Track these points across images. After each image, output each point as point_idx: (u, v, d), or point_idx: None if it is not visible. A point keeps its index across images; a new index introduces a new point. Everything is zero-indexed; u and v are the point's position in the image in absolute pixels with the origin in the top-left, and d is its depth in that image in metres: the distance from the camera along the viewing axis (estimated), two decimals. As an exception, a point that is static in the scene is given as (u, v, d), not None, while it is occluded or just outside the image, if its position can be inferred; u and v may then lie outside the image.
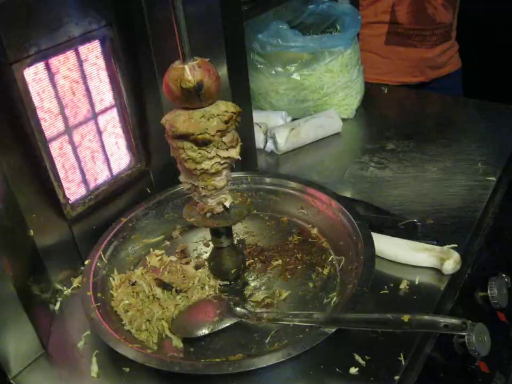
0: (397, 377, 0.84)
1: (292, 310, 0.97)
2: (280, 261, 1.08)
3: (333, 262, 1.06)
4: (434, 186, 1.26)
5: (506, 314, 1.10)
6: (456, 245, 1.04)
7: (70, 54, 1.01)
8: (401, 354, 0.87)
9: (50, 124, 1.00)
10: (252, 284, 1.04)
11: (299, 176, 1.22)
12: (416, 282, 1.00)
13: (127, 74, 1.11)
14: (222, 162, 0.89)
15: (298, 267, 1.06)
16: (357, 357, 0.87)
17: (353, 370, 0.85)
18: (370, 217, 1.12)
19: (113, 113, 1.13)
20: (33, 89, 0.96)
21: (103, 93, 1.10)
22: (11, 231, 0.92)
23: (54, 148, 1.02)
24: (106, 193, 1.14)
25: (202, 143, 0.86)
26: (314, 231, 1.14)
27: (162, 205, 1.18)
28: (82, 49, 1.03)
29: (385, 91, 1.69)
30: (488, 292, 1.08)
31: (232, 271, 1.03)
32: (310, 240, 1.13)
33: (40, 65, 0.96)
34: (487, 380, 1.01)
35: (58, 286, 1.09)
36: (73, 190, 1.09)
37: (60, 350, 0.96)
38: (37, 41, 0.94)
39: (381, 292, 0.99)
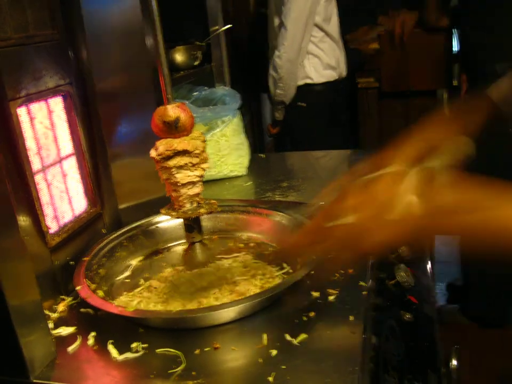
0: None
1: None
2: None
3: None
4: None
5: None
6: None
7: (44, 104, 1.21)
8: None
9: (32, 159, 1.17)
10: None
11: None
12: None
13: (85, 127, 1.32)
14: (199, 175, 1.16)
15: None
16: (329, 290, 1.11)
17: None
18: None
19: (73, 160, 1.31)
20: (22, 125, 1.13)
21: (65, 141, 1.29)
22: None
23: (36, 180, 1.18)
24: (72, 230, 1.28)
25: (195, 156, 1.13)
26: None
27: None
28: (51, 101, 1.24)
29: (263, 156, 2.08)
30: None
31: (204, 263, 1.23)
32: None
33: (25, 108, 1.15)
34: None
35: (46, 312, 1.18)
36: (48, 224, 1.22)
37: (71, 355, 1.02)
38: (26, 86, 1.14)
39: (329, 256, 1.26)
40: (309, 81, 2.87)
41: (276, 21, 2.82)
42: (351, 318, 1.01)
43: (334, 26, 2.88)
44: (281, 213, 1.36)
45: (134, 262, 1.35)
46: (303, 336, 0.97)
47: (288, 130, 3.02)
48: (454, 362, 1.30)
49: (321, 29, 2.81)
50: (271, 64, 2.80)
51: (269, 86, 2.90)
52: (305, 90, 2.88)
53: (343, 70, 3.00)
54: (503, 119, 1.20)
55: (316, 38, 2.82)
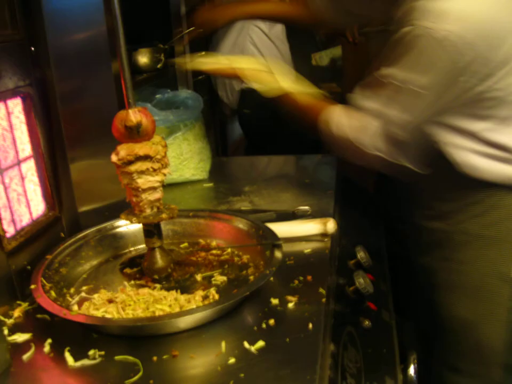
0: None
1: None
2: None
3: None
4: (292, 201, 1.62)
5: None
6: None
7: (2, 105, 1.19)
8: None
9: (-11, 162, 1.15)
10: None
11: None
12: (309, 251, 1.31)
13: (44, 129, 1.30)
14: (160, 180, 1.17)
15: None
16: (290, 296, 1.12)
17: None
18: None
19: (32, 163, 1.29)
20: (-20, 127, 1.11)
21: (24, 143, 1.27)
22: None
23: (-7, 184, 1.15)
24: (30, 233, 1.26)
25: (156, 162, 1.13)
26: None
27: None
28: (10, 103, 1.21)
29: (225, 160, 2.08)
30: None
31: (164, 269, 1.22)
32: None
33: (-17, 110, 1.13)
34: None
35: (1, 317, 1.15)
36: (5, 227, 1.20)
37: (26, 362, 1.00)
38: (-16, 86, 1.12)
39: (288, 263, 1.27)
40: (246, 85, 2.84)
41: None
42: (310, 325, 1.02)
43: (278, 33, 2.85)
44: (241, 218, 1.36)
45: (93, 266, 1.33)
46: (261, 343, 0.97)
47: (245, 134, 3.02)
48: (412, 368, 1.32)
49: (263, 32, 2.76)
50: None
51: (215, 87, 2.89)
52: (248, 96, 2.86)
53: None
54: None
55: (256, 38, 2.77)
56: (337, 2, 1.68)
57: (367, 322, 1.26)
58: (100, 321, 1.04)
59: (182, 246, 1.40)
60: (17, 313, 1.16)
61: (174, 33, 2.23)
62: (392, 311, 1.43)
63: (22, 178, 1.26)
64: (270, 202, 1.65)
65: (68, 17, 1.33)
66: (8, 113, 1.21)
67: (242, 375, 0.90)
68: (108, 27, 1.41)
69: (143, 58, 1.99)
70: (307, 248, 1.32)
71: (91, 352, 0.99)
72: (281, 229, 1.31)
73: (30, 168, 1.29)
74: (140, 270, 1.27)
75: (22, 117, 1.26)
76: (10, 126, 1.22)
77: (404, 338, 1.46)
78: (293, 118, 1.55)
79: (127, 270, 1.29)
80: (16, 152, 1.24)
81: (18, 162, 1.25)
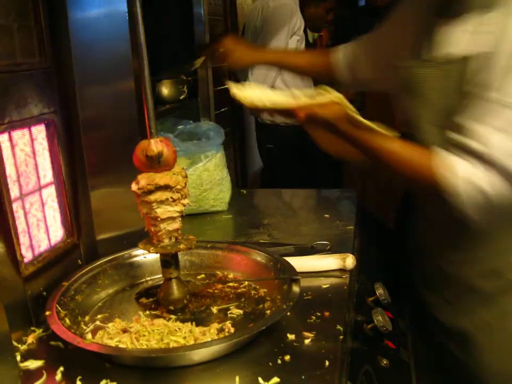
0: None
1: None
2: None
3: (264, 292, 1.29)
4: (311, 235, 1.60)
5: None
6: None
7: (26, 131, 1.20)
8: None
9: (11, 187, 1.15)
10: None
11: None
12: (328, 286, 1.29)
13: (66, 156, 1.31)
14: (179, 210, 1.16)
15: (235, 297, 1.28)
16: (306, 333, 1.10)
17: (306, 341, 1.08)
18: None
19: (52, 189, 1.30)
20: (3, 152, 1.12)
21: (46, 169, 1.28)
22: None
23: (14, 208, 1.16)
24: (48, 259, 1.26)
25: (176, 192, 1.14)
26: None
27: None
28: (34, 129, 1.23)
29: (245, 192, 2.08)
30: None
31: (180, 300, 1.21)
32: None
33: (7, 135, 1.14)
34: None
35: (14, 343, 1.14)
36: (23, 252, 1.20)
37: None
38: (10, 113, 1.13)
39: (305, 298, 1.25)
40: (272, 119, 2.88)
41: None
42: (327, 363, 1.00)
43: None
44: (259, 251, 1.35)
45: (108, 294, 1.32)
46: (275, 379, 0.95)
47: (265, 168, 3.05)
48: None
49: None
50: None
51: None
52: (272, 130, 2.88)
53: None
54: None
55: (287, 77, 2.83)
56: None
57: (385, 361, 1.23)
58: (113, 351, 1.03)
59: (199, 277, 1.39)
60: (30, 339, 1.15)
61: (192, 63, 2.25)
62: (410, 350, 1.40)
63: (42, 204, 1.27)
64: (289, 235, 1.64)
65: (94, 48, 1.35)
66: (32, 140, 1.22)
67: (255, 412, 0.88)
68: (132, 58, 1.43)
69: (166, 89, 2.02)
70: (325, 283, 1.31)
71: (103, 382, 0.98)
72: (300, 263, 1.30)
73: (50, 194, 1.29)
74: (155, 300, 1.26)
75: (45, 144, 1.27)
76: (33, 152, 1.23)
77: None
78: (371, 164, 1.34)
79: (143, 300, 1.28)
80: (38, 178, 1.25)
81: (39, 188, 1.25)
